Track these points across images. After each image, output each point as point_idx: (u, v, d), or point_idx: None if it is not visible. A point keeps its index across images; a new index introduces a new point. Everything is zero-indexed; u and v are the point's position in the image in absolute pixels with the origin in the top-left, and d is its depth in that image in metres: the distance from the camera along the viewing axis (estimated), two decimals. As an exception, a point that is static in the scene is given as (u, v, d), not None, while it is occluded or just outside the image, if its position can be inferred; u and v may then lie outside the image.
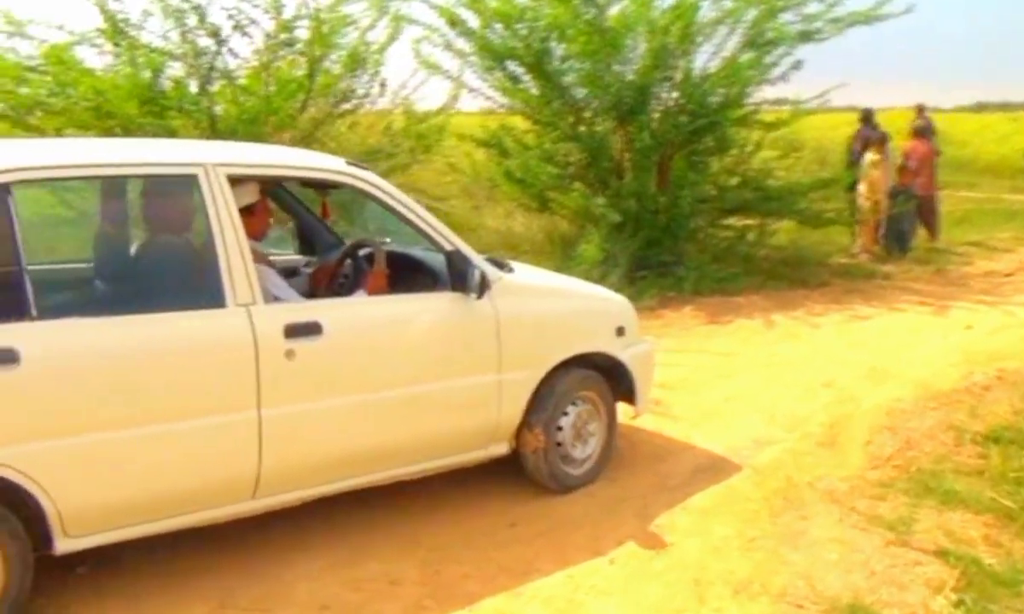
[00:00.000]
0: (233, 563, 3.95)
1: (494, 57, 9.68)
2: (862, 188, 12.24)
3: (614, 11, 9.92)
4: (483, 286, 4.29)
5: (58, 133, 6.98)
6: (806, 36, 10.27)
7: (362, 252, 4.77)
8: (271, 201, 4.73)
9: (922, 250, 12.66)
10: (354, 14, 8.25)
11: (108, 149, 4.36)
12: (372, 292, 4.32)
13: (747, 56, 10.24)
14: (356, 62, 8.30)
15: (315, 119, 8.15)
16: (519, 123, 10.43)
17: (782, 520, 4.43)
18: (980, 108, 61.49)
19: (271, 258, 4.56)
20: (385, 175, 9.15)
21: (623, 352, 5.00)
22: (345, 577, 3.87)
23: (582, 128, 9.89)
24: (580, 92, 10.01)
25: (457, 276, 4.28)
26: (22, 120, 7.20)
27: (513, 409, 4.54)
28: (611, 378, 4.99)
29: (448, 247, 4.32)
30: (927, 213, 13.01)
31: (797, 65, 10.37)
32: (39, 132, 7.14)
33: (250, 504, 3.84)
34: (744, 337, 8.19)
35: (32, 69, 7.03)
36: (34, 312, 3.28)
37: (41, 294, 3.35)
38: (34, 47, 7.09)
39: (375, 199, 4.25)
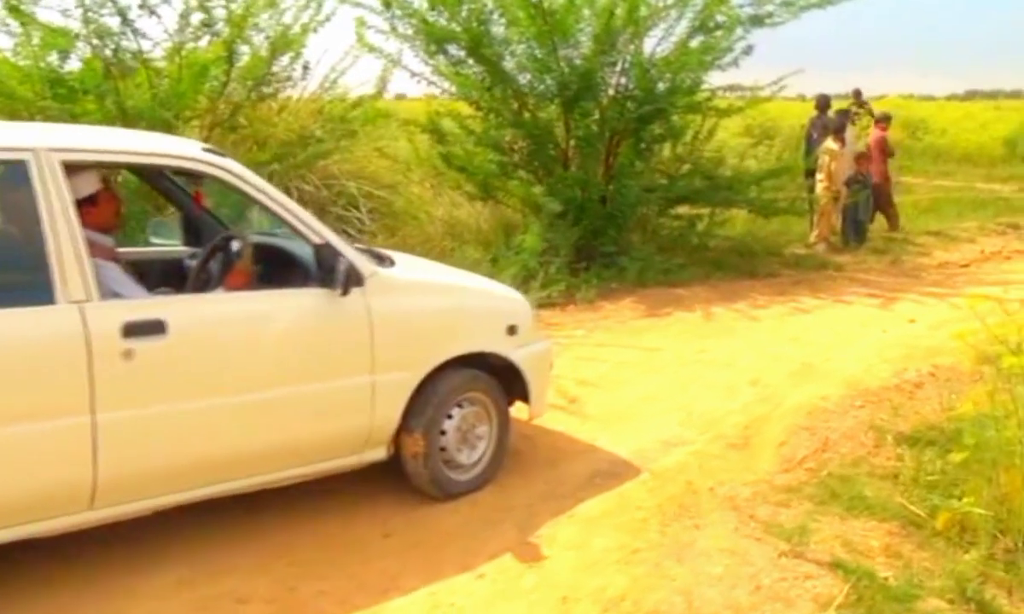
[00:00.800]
0: (71, 579, 3.70)
1: (434, 40, 9.39)
2: (819, 177, 12.03)
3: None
4: (349, 281, 4.00)
5: (-41, 116, 6.68)
6: (757, 20, 10.02)
7: (234, 246, 4.40)
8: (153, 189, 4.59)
9: (880, 240, 12.48)
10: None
11: None
12: (231, 288, 4.05)
13: (697, 41, 10.01)
14: (281, 45, 7.98)
15: (234, 104, 7.88)
16: (464, 109, 10.13)
17: (671, 530, 4.21)
18: (970, 96, 61.75)
19: (141, 250, 4.47)
20: (312, 161, 9.09)
21: (514, 352, 4.74)
22: (194, 595, 3.64)
23: (526, 115, 9.60)
24: (524, 77, 9.74)
25: (325, 271, 4.00)
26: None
27: (389, 412, 4.27)
28: (504, 379, 4.74)
29: (316, 240, 4.03)
30: (884, 202, 12.83)
31: (748, 50, 10.13)
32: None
33: (87, 515, 3.54)
34: (679, 331, 7.97)
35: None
36: None
37: None
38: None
39: (234, 188, 3.98)
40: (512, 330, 4.76)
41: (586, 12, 9.42)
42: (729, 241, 11.12)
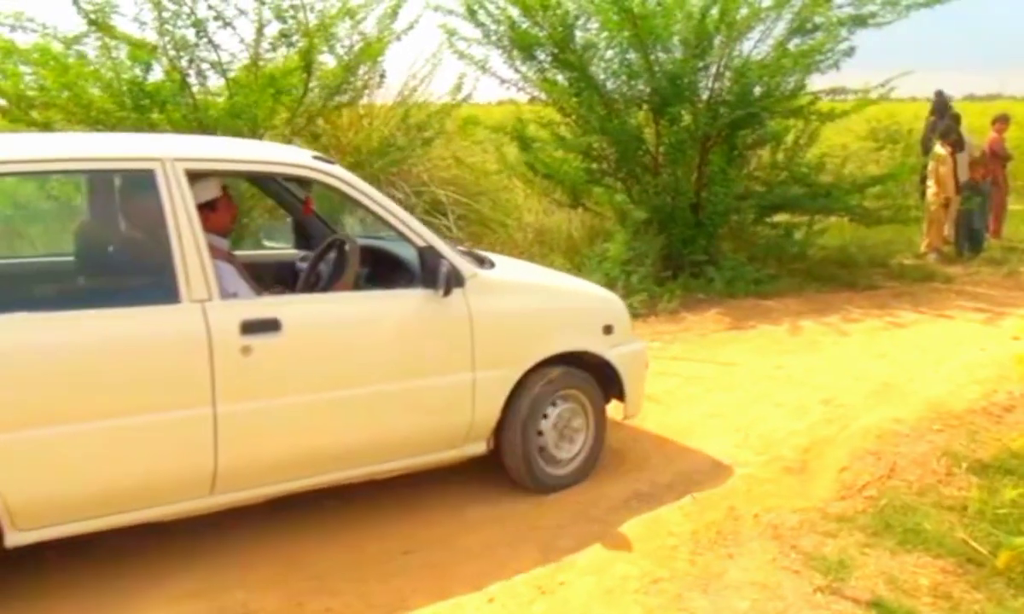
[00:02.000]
0: (96, 580, 3.77)
1: (520, 46, 9.32)
2: (930, 183, 11.46)
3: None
4: (451, 283, 4.20)
5: (47, 127, 6.96)
6: (860, 20, 9.60)
7: (344, 249, 4.61)
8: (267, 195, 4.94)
9: (997, 249, 11.79)
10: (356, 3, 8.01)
11: (66, 144, 4.30)
12: (340, 289, 4.31)
13: (795, 43, 9.66)
14: (361, 56, 8.04)
15: (311, 113, 7.98)
16: (553, 115, 10.03)
17: (703, 559, 4.02)
18: None
19: (261, 252, 4.82)
20: (389, 167, 9.15)
21: (610, 351, 4.90)
22: (203, 607, 3.65)
23: (614, 120, 9.42)
24: (614, 82, 9.57)
25: (428, 273, 4.21)
26: (24, 115, 7.20)
27: (489, 408, 4.48)
28: (600, 377, 4.91)
29: (420, 243, 4.26)
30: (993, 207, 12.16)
31: (849, 52, 9.72)
32: (37, 126, 7.13)
33: (208, 500, 3.84)
34: (759, 345, 7.68)
35: (23, 62, 7.01)
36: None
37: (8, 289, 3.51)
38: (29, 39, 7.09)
39: (342, 194, 4.23)
40: (608, 330, 4.92)
41: (678, 15, 9.19)
42: (828, 251, 10.69)
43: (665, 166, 9.54)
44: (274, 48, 7.63)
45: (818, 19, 9.40)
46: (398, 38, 8.48)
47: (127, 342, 3.55)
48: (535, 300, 4.76)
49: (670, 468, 5.05)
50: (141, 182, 3.76)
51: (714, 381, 6.67)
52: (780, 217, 10.50)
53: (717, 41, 9.36)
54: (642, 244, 9.10)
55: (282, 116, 7.76)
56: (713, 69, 9.62)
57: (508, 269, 5.06)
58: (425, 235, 4.29)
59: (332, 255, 4.68)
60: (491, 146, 10.64)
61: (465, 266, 4.38)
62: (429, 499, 4.59)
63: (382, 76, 8.73)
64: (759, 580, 3.85)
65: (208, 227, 3.85)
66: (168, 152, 3.79)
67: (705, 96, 9.64)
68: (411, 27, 8.58)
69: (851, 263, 10.78)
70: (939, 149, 11.32)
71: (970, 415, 5.85)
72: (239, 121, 6.95)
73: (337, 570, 3.95)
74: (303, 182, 4.75)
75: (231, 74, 7.45)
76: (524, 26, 9.22)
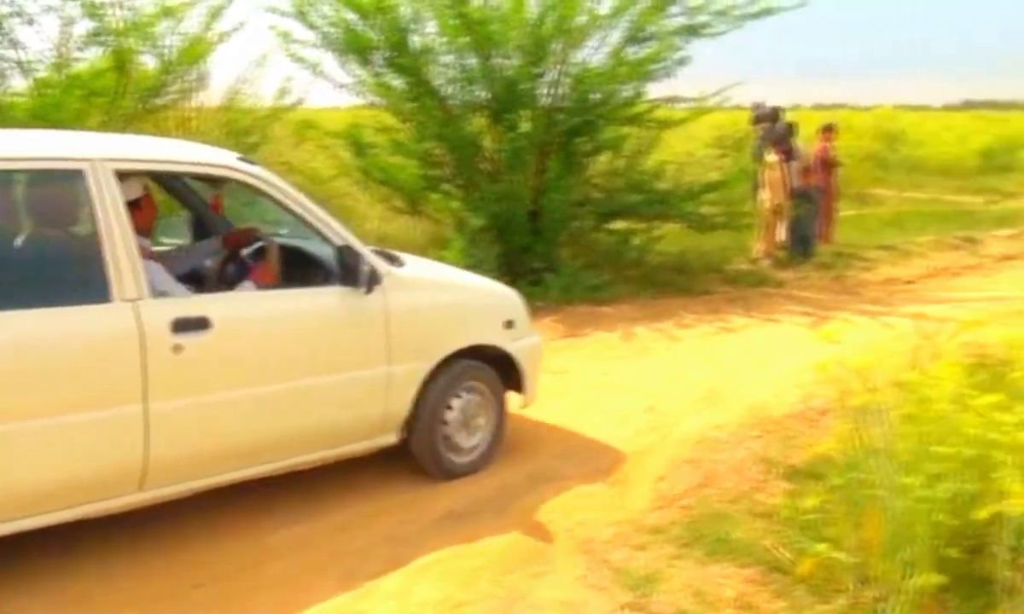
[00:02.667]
0: None
1: (352, 49, 9.12)
2: (762, 190, 11.77)
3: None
4: (372, 281, 4.43)
5: None
6: (692, 31, 9.79)
7: (254, 246, 4.79)
8: (165, 191, 5.05)
9: (827, 254, 12.20)
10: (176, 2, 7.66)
11: (28, 143, 4.19)
12: (260, 285, 4.44)
13: (632, 52, 9.77)
14: (182, 58, 7.70)
15: (126, 115, 7.59)
16: (390, 120, 9.86)
17: (509, 579, 3.91)
18: (967, 106, 61.76)
19: (160, 249, 4.65)
20: None
21: (511, 344, 5.22)
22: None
23: (451, 126, 9.31)
24: (451, 87, 9.47)
25: (347, 271, 4.39)
26: None
27: (403, 400, 4.70)
28: (500, 369, 5.19)
29: (338, 242, 4.42)
30: (822, 215, 12.62)
31: (684, 61, 9.91)
32: None
33: (138, 496, 3.90)
34: (592, 352, 7.70)
35: None
36: None
37: None
38: None
39: (264, 194, 4.33)
40: (509, 324, 5.25)
41: (515, 21, 9.14)
42: (666, 257, 10.85)
43: (504, 173, 9.48)
44: (84, 48, 7.21)
45: (653, 28, 9.49)
46: (223, 40, 8.15)
47: (58, 341, 3.57)
48: (444, 297, 5.01)
49: (489, 483, 4.95)
50: (71, 182, 3.76)
51: (544, 390, 6.59)
52: (619, 224, 10.59)
53: (554, 48, 9.37)
54: (479, 251, 9.03)
55: (95, 119, 7.35)
56: (551, 76, 9.64)
57: (416, 267, 5.21)
58: (343, 234, 4.45)
59: (244, 251, 4.84)
60: (330, 151, 10.38)
61: (381, 264, 4.56)
62: (228, 523, 4.35)
63: (204, 78, 8.37)
64: (565, 598, 3.78)
65: (133, 226, 3.83)
66: (97, 152, 3.85)
67: (543, 103, 9.63)
68: (238, 29, 8.26)
69: (688, 269, 10.99)
70: (770, 157, 11.63)
71: (788, 420, 5.95)
72: (44, 123, 6.53)
73: (124, 604, 3.69)
74: (219, 181, 4.80)
75: (37, 74, 7.00)
76: (358, 29, 9.01)
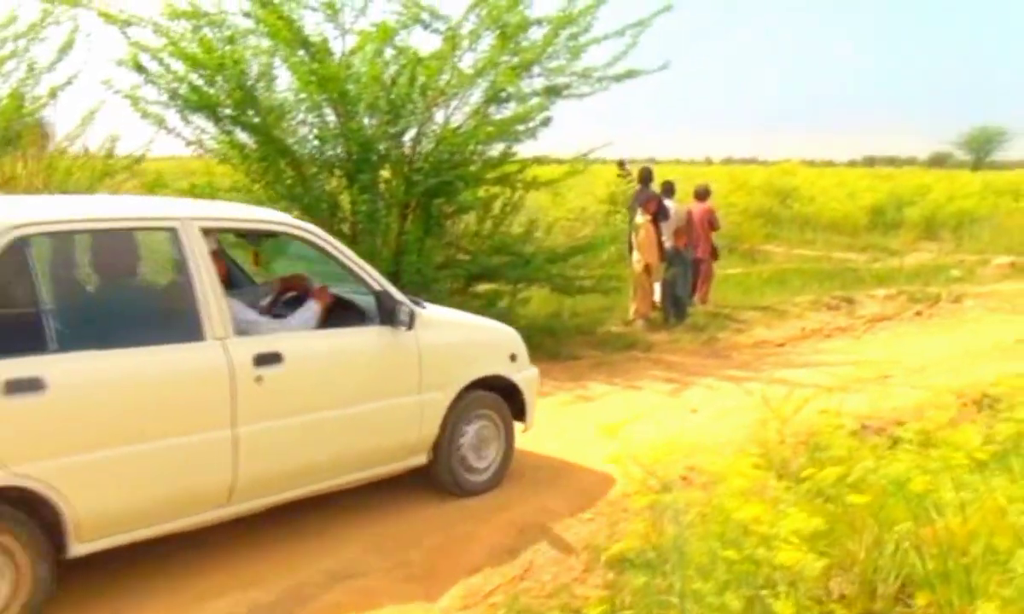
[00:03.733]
0: None
1: (192, 105, 8.71)
2: (635, 251, 11.66)
3: (352, 57, 9.14)
4: (411, 320, 5.17)
5: None
6: (554, 92, 9.66)
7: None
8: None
9: (702, 315, 12.10)
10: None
11: (103, 205, 5.24)
12: (320, 301, 5.21)
13: (495, 112, 9.60)
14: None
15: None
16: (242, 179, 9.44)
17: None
18: (868, 162, 63.64)
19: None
20: None
21: (515, 375, 5.97)
22: None
23: (303, 186, 8.95)
24: (305, 145, 9.13)
25: (386, 312, 5.13)
26: None
27: (432, 425, 5.44)
28: (506, 398, 5.92)
29: (377, 287, 5.19)
30: (699, 276, 12.56)
31: (546, 122, 9.75)
32: None
33: (227, 510, 4.58)
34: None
35: None
36: (56, 345, 3.99)
37: (72, 332, 4.05)
38: None
39: (314, 246, 5.09)
40: (513, 358, 6.01)
41: (368, 80, 8.87)
42: (537, 319, 10.56)
43: (363, 234, 9.13)
44: None
45: (512, 90, 9.32)
46: (54, 95, 7.70)
47: (162, 374, 4.27)
48: (461, 334, 5.84)
49: (277, 586, 4.53)
50: (167, 238, 4.49)
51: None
52: (489, 286, 10.30)
53: (412, 108, 9.12)
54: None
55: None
56: (411, 135, 9.39)
57: (433, 309, 5.83)
58: (381, 281, 5.23)
59: (288, 296, 5.56)
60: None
61: (414, 306, 5.27)
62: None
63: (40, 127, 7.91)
64: None
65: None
66: (187, 213, 4.64)
67: (402, 162, 9.35)
68: (68, 82, 7.81)
69: (559, 332, 10.76)
70: (639, 218, 11.53)
71: (627, 499, 5.68)
72: None
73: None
74: (271, 236, 5.63)
75: None
76: (201, 86, 8.63)
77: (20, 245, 3.96)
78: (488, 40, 9.44)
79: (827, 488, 3.49)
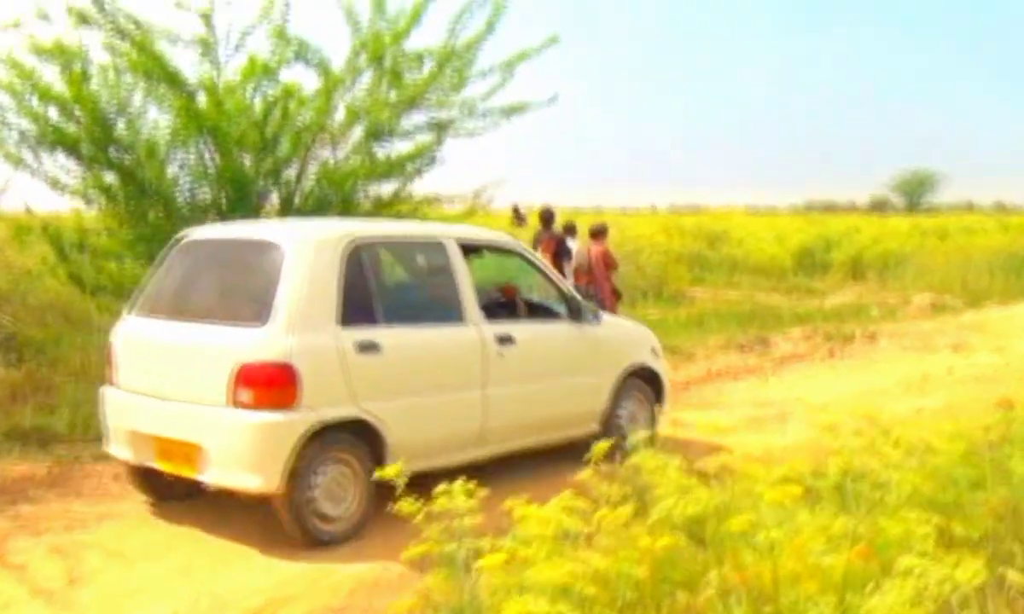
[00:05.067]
0: None
1: (53, 143, 8.25)
2: (534, 293, 11.33)
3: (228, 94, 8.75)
4: (596, 318, 7.03)
5: None
6: (439, 127, 9.36)
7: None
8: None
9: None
10: None
11: (398, 225, 7.88)
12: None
13: (381, 149, 9.29)
14: None
15: None
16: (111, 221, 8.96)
17: None
18: (809, 208, 64.29)
19: None
20: None
21: (656, 364, 7.62)
22: None
23: (170, 227, 8.47)
24: (176, 185, 8.67)
25: (574, 312, 6.94)
26: None
27: (604, 400, 7.06)
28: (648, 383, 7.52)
29: (568, 294, 7.08)
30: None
31: (432, 160, 9.48)
32: None
33: (479, 451, 6.14)
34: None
35: None
36: (383, 320, 5.70)
37: (391, 311, 5.80)
38: None
39: (528, 261, 7.03)
40: (654, 351, 7.66)
41: (237, 120, 8.47)
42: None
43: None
44: None
45: (392, 126, 9.02)
46: None
47: (442, 347, 6.02)
48: (622, 331, 7.71)
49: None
50: (438, 251, 6.25)
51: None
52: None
53: (287, 145, 8.77)
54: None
55: None
56: (290, 174, 9.02)
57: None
58: (572, 290, 7.25)
59: (495, 297, 7.22)
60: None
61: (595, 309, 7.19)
62: None
63: None
64: None
65: None
66: (450, 233, 6.58)
67: (277, 202, 8.97)
68: None
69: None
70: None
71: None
72: None
73: None
74: (497, 251, 7.29)
75: None
76: (59, 123, 8.18)
77: (355, 249, 5.68)
78: (370, 76, 9.13)
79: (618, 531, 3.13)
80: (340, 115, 9.17)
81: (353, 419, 5.40)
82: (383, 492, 4.24)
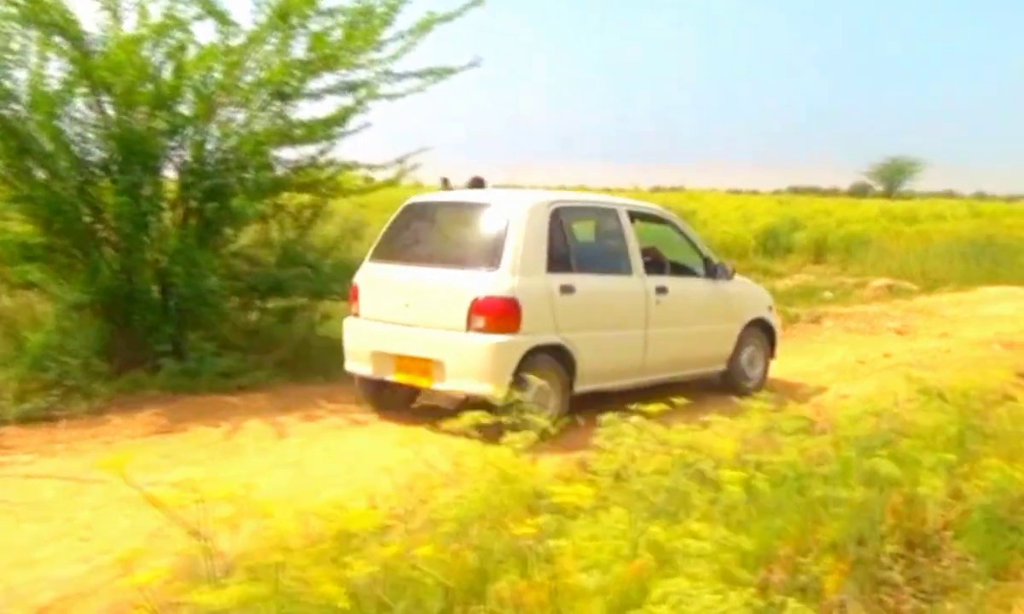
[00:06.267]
0: None
1: None
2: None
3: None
4: (730, 276, 8.70)
5: None
6: (351, 89, 8.89)
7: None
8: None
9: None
10: None
11: (584, 196, 10.10)
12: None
13: (292, 111, 8.83)
14: None
15: None
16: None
17: None
18: (794, 192, 63.75)
19: None
20: None
21: (770, 318, 9.18)
22: None
23: (48, 187, 7.94)
24: (61, 139, 8.08)
25: (712, 270, 8.52)
26: None
27: (730, 345, 8.66)
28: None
29: (707, 256, 8.59)
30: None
31: (340, 123, 8.99)
32: None
33: (641, 379, 7.74)
34: (170, 451, 6.49)
35: None
36: (576, 269, 7.35)
37: (581, 263, 7.45)
38: None
39: (678, 230, 8.69)
40: (769, 307, 9.26)
41: (129, 71, 7.92)
42: (328, 337, 9.69)
43: (126, 242, 8.20)
44: None
45: (295, 85, 8.53)
46: None
47: (617, 292, 7.68)
48: (746, 288, 9.29)
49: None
50: (614, 217, 7.94)
51: (38, 509, 5.34)
52: (284, 302, 9.43)
53: (184, 104, 8.28)
54: (82, 331, 7.73)
55: None
56: (192, 136, 8.52)
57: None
58: (708, 252, 8.67)
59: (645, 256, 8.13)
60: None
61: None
62: None
63: None
64: None
65: None
66: (620, 204, 8.35)
67: (176, 163, 8.49)
68: None
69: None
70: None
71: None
72: None
73: None
74: (651, 220, 8.72)
75: None
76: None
77: (556, 212, 7.29)
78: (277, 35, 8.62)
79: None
80: (249, 76, 8.64)
81: (555, 344, 7.04)
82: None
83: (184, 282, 8.17)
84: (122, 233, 8.16)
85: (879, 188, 74.53)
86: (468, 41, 10.15)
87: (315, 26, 8.64)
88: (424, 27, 8.89)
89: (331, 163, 9.57)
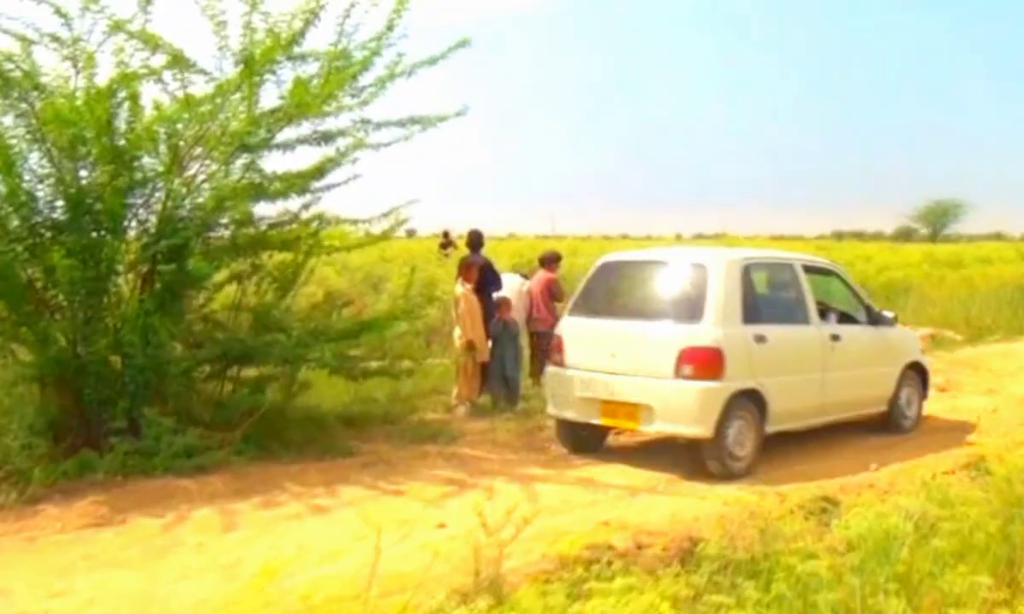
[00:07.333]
0: None
1: None
2: (456, 327, 10.15)
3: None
4: (892, 324, 9.50)
5: None
6: (324, 139, 8.26)
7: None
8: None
9: (540, 399, 10.50)
10: None
11: (764, 252, 11.57)
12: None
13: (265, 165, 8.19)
14: None
15: None
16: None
17: None
18: (838, 237, 62.53)
19: None
20: None
21: (923, 359, 10.00)
22: None
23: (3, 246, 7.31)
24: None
25: (874, 319, 9.32)
26: None
27: (892, 387, 9.37)
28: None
29: (869, 305, 9.46)
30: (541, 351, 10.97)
31: (318, 176, 8.35)
32: None
33: (821, 419, 8.57)
34: (97, 551, 5.83)
35: None
36: (764, 320, 8.07)
37: (768, 314, 8.27)
38: None
39: (844, 281, 9.54)
40: (921, 350, 10.23)
41: (84, 124, 7.33)
42: (316, 408, 8.96)
43: (80, 308, 7.54)
44: None
45: (262, 136, 7.88)
46: None
47: (798, 341, 8.36)
48: (904, 334, 10.11)
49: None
50: (790, 271, 8.71)
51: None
52: (259, 370, 8.71)
53: (145, 158, 7.66)
54: (23, 407, 7.07)
55: None
56: (152, 193, 7.89)
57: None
58: (870, 302, 9.58)
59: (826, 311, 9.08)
60: None
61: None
62: None
63: None
64: None
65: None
66: (796, 258, 9.18)
67: (133, 224, 7.85)
68: None
69: (361, 421, 9.25)
70: (459, 288, 10.06)
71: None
72: None
73: None
74: (825, 272, 9.57)
75: None
76: None
77: (747, 268, 8.06)
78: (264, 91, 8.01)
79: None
80: (215, 127, 7.99)
81: (751, 389, 7.66)
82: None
83: (141, 352, 7.46)
84: (74, 298, 7.48)
85: (924, 231, 72.88)
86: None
87: (285, 72, 7.99)
88: (393, 74, 8.20)
89: (317, 218, 8.94)
